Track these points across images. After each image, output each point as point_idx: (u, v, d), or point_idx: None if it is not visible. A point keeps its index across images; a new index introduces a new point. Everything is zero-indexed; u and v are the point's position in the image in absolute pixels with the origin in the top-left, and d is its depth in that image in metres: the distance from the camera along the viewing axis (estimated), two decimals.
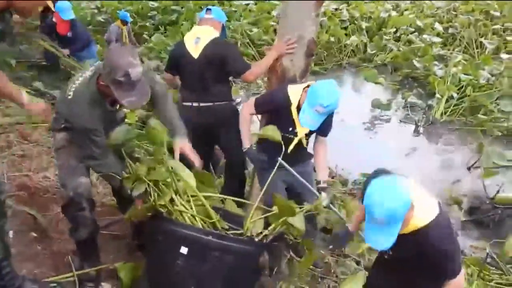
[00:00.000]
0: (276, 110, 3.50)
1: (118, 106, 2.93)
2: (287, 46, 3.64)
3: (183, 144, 3.03)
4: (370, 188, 2.27)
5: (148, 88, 2.76)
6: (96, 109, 2.74)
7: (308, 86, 3.40)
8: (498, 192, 5.72)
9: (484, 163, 6.80)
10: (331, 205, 3.26)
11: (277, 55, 3.69)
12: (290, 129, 3.48)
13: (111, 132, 2.89)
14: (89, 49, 7.12)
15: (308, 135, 3.57)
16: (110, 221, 3.71)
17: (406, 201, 2.21)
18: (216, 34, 3.87)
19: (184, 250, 2.68)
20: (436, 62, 10.11)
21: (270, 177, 3.19)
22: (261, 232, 2.88)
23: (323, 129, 3.52)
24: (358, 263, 4.11)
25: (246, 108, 3.61)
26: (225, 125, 3.87)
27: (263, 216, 3.07)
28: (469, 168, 6.91)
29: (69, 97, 2.74)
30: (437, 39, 11.39)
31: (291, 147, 3.46)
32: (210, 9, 4.02)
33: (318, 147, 3.65)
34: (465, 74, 9.09)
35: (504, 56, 10.07)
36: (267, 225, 2.97)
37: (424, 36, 11.36)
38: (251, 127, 3.65)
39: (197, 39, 3.82)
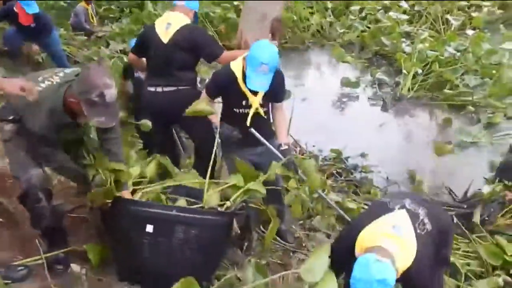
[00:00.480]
0: (224, 89, 3.52)
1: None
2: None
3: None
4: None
5: (119, 110, 2.78)
6: (53, 119, 2.70)
7: (244, 58, 3.43)
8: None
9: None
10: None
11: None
12: (244, 102, 3.50)
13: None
14: (51, 36, 6.93)
15: (262, 105, 3.57)
16: (79, 204, 3.67)
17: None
18: (187, 20, 3.89)
19: (149, 228, 2.69)
20: (403, 39, 10.22)
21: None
22: (223, 204, 2.92)
23: (275, 94, 3.57)
24: (328, 236, 4.17)
25: (202, 98, 3.64)
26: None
27: (221, 188, 3.10)
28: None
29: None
30: (404, 17, 11.45)
31: (249, 118, 3.49)
32: None
33: (275, 113, 3.68)
34: (431, 50, 9.20)
35: (469, 32, 10.24)
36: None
37: (391, 13, 11.40)
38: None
39: (168, 25, 3.84)
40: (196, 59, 3.97)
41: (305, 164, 3.62)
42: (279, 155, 3.45)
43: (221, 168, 4.04)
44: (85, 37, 8.60)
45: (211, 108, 3.29)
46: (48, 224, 2.90)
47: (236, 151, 3.40)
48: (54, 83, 2.74)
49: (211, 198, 2.97)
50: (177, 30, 3.81)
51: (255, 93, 3.45)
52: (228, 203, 2.93)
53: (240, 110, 3.51)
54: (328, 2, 11.79)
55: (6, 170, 3.89)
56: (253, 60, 3.29)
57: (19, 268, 2.83)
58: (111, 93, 2.58)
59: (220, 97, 3.66)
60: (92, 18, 9.13)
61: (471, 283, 3.87)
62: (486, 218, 4.72)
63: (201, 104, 3.33)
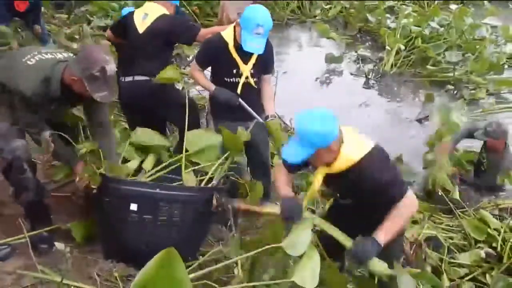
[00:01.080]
0: (214, 56, 3.55)
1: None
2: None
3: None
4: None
5: (117, 85, 2.84)
6: (46, 88, 2.75)
7: (235, 25, 3.47)
8: None
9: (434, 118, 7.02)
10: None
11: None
12: (234, 71, 3.54)
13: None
14: (38, 13, 6.74)
15: (253, 75, 3.60)
16: (62, 183, 3.65)
17: (326, 134, 2.35)
18: (164, 11, 3.90)
19: (133, 206, 2.72)
20: (388, 15, 10.18)
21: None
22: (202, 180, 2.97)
23: (265, 64, 3.67)
24: (313, 212, 4.20)
25: (192, 68, 3.73)
26: (162, 100, 3.85)
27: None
28: (419, 121, 7.11)
29: (30, 62, 2.77)
30: None
31: (239, 87, 3.55)
32: None
33: (263, 85, 3.74)
34: (415, 26, 9.19)
35: (453, 6, 10.20)
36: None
37: None
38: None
39: (145, 15, 3.87)
40: (171, 49, 4.07)
41: (269, 124, 3.64)
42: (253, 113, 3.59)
43: None
44: (66, 15, 8.43)
45: (178, 74, 3.29)
46: (33, 198, 2.90)
47: (227, 125, 3.40)
48: (48, 58, 2.84)
49: (188, 176, 2.99)
50: (153, 21, 3.83)
51: (245, 61, 3.49)
52: (206, 178, 2.95)
53: (231, 79, 3.56)
54: None
55: None
56: (248, 23, 3.33)
57: (2, 247, 2.83)
58: (111, 68, 2.71)
59: (210, 67, 3.70)
60: None
61: (454, 256, 3.94)
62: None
63: (169, 72, 3.34)
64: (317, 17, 10.67)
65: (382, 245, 2.43)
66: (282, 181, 2.80)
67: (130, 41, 3.95)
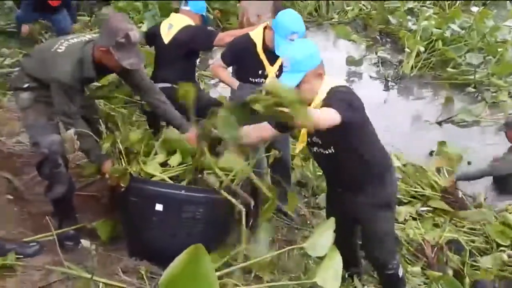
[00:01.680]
0: (241, 55, 3.59)
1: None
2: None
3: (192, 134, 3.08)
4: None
5: (143, 52, 2.97)
6: (80, 70, 2.84)
7: (266, 27, 3.50)
8: None
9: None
10: None
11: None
12: (260, 72, 3.58)
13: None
14: (64, 11, 6.80)
15: (277, 76, 3.61)
16: (87, 182, 3.73)
17: (313, 55, 2.68)
18: (189, 22, 4.02)
19: (159, 207, 2.76)
20: (409, 17, 10.06)
21: None
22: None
23: None
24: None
25: (215, 65, 3.75)
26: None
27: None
28: (439, 123, 7.06)
29: (59, 50, 2.86)
30: None
31: None
32: (187, 1, 4.16)
33: None
34: (436, 28, 9.11)
35: (474, 8, 10.10)
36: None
37: None
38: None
39: (170, 26, 4.02)
40: (195, 57, 4.19)
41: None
42: None
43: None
44: (88, 18, 8.53)
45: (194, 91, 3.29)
46: (64, 193, 2.97)
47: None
48: (83, 40, 2.94)
49: (210, 177, 3.02)
50: (177, 32, 3.96)
51: (272, 63, 3.54)
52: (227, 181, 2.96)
53: (256, 79, 3.59)
54: None
55: (14, 150, 3.98)
56: (283, 29, 3.37)
57: (31, 244, 2.90)
58: (134, 34, 2.80)
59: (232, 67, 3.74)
60: None
61: (475, 260, 3.92)
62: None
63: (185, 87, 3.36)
64: (334, 20, 10.65)
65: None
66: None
67: (157, 50, 4.17)
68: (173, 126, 3.24)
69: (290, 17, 3.43)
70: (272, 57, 3.55)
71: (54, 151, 2.87)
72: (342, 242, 3.02)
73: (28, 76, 2.98)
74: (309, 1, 10.52)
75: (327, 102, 2.55)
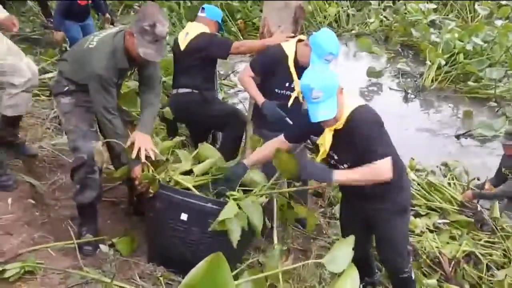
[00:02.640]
0: (272, 66, 3.59)
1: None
2: (285, 37, 3.75)
3: (142, 137, 3.02)
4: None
5: (164, 51, 2.93)
6: (114, 60, 2.87)
7: (299, 40, 3.53)
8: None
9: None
10: None
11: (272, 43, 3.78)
12: (287, 84, 3.60)
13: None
14: (90, 18, 6.81)
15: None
16: (107, 188, 3.78)
17: (332, 74, 2.69)
18: (205, 29, 4.14)
19: (184, 216, 2.79)
20: (432, 30, 10.04)
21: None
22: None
23: None
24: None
25: (244, 73, 3.73)
26: (205, 110, 4.10)
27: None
28: (457, 137, 7.02)
29: (91, 45, 2.91)
30: (432, 6, 11.26)
31: (291, 100, 3.62)
32: (204, 8, 4.33)
33: None
34: (459, 40, 9.07)
35: (497, 22, 9.99)
36: None
37: (420, 5, 11.16)
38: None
39: (186, 34, 4.15)
40: (212, 63, 4.22)
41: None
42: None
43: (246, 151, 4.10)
44: (111, 25, 8.65)
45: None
46: (93, 199, 3.01)
47: (267, 136, 3.47)
48: (105, 35, 2.98)
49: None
50: (192, 38, 4.08)
51: (300, 77, 3.52)
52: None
53: (282, 91, 3.62)
54: None
55: (37, 155, 4.04)
56: (321, 50, 3.39)
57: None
58: (163, 28, 2.78)
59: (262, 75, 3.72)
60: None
61: (493, 273, 3.87)
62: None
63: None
64: (354, 31, 10.65)
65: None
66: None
67: (176, 57, 4.30)
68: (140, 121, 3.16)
69: (330, 39, 3.45)
70: (301, 71, 3.55)
71: (92, 158, 2.93)
72: (357, 251, 3.05)
73: (66, 80, 3.03)
74: (329, 12, 10.53)
75: (364, 126, 2.65)
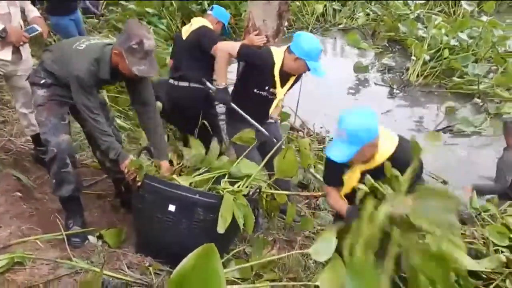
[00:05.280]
0: (258, 66, 3.62)
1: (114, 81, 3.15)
2: (258, 40, 3.97)
3: (165, 166, 3.16)
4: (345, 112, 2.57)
5: (156, 64, 2.95)
6: (96, 69, 2.90)
7: (287, 49, 3.57)
8: None
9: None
10: None
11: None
12: (267, 87, 3.65)
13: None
14: (78, 13, 6.70)
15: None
16: (93, 181, 3.82)
17: (371, 129, 2.49)
18: (207, 23, 4.24)
19: (172, 207, 2.83)
20: (420, 25, 10.11)
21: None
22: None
23: (292, 87, 3.85)
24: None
25: (227, 47, 3.68)
26: (199, 107, 4.09)
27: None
28: (437, 131, 7.07)
29: (80, 48, 2.93)
30: (421, 1, 11.37)
31: (272, 107, 3.75)
32: (213, 7, 4.51)
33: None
34: (446, 36, 9.14)
35: (484, 18, 10.00)
36: None
37: (409, 0, 11.29)
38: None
39: (191, 25, 4.26)
40: (206, 58, 4.15)
41: (300, 142, 3.85)
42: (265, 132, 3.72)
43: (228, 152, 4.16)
44: (96, 20, 8.64)
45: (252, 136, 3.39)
46: (71, 192, 3.04)
47: (238, 124, 3.61)
48: (96, 42, 3.02)
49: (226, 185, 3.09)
50: (194, 29, 4.17)
51: (282, 84, 3.65)
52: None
53: (260, 92, 3.67)
54: None
55: (23, 149, 4.06)
56: (313, 53, 3.48)
57: None
58: (150, 43, 2.82)
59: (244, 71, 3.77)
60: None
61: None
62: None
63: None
64: (341, 25, 10.71)
65: None
66: (335, 197, 2.88)
67: (177, 47, 4.42)
68: (153, 148, 3.26)
69: (314, 40, 3.53)
70: (284, 79, 3.65)
71: (62, 150, 2.96)
72: None
73: (45, 72, 3.05)
74: (315, 6, 10.57)
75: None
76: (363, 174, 2.64)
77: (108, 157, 3.08)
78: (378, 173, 2.57)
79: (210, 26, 4.26)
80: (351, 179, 2.69)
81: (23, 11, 3.59)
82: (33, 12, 3.61)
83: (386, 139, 2.61)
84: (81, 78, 2.85)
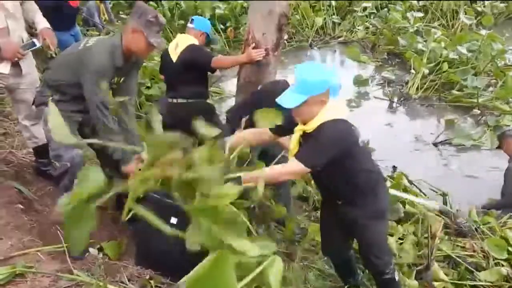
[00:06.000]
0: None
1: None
2: (256, 54, 3.90)
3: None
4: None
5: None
6: (112, 59, 2.96)
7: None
8: None
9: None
10: None
11: (246, 61, 3.98)
12: None
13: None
14: (76, 26, 6.80)
15: None
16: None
17: (322, 82, 2.59)
18: (193, 41, 4.25)
19: (174, 220, 2.82)
20: (419, 38, 10.15)
21: None
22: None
23: None
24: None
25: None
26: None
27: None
28: (435, 144, 7.10)
29: (89, 44, 2.98)
30: (419, 14, 11.40)
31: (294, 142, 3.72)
32: (193, 20, 4.46)
33: None
34: (445, 49, 9.17)
35: (482, 32, 10.02)
36: None
37: (408, 14, 11.35)
38: None
39: (177, 46, 4.26)
40: (204, 73, 4.31)
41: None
42: None
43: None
44: (97, 33, 8.72)
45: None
46: None
47: None
48: (100, 37, 3.12)
49: None
50: (182, 51, 4.18)
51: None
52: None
53: None
54: (332, 1, 11.63)
55: (24, 161, 4.09)
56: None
57: None
58: (162, 17, 3.02)
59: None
60: (103, 14, 9.19)
61: (474, 275, 3.88)
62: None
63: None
64: (341, 38, 10.77)
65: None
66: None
67: (168, 69, 4.39)
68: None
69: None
70: None
71: (76, 165, 3.00)
72: (337, 255, 3.18)
73: (50, 88, 3.08)
74: (315, 19, 10.65)
75: (310, 140, 2.66)
76: (302, 136, 2.73)
77: (119, 171, 3.06)
78: (312, 136, 2.66)
79: (195, 41, 4.28)
80: (293, 139, 2.79)
81: (32, 23, 3.59)
82: (41, 23, 3.59)
83: (330, 111, 2.66)
84: (103, 70, 2.90)
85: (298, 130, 2.77)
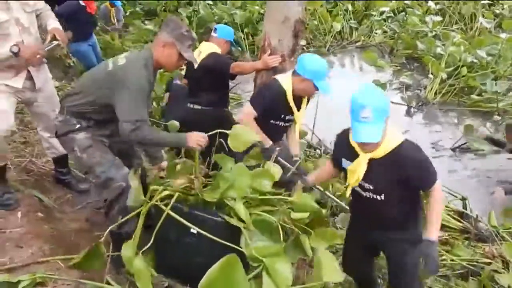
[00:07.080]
0: (271, 104, 3.59)
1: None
2: (271, 60, 3.89)
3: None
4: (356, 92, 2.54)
5: None
6: (148, 74, 2.89)
7: (293, 73, 3.57)
8: None
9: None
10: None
11: (262, 67, 3.96)
12: (282, 116, 3.69)
13: None
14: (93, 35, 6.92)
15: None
16: None
17: (386, 101, 2.50)
18: (215, 49, 4.33)
19: (194, 230, 2.80)
20: (437, 42, 9.99)
21: None
22: None
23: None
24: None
25: (246, 116, 3.62)
26: (212, 128, 4.04)
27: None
28: (453, 150, 7.01)
29: (120, 64, 2.89)
30: (438, 18, 11.25)
31: (297, 135, 3.87)
32: (216, 29, 4.54)
33: (293, 127, 3.87)
34: (464, 53, 9.01)
35: (503, 35, 9.88)
36: None
37: (426, 18, 11.19)
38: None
39: (199, 52, 4.32)
40: (223, 82, 4.38)
41: (319, 162, 3.92)
42: (289, 165, 3.49)
43: None
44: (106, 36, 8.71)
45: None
46: (133, 227, 2.89)
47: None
48: (128, 54, 3.04)
49: None
50: (203, 58, 4.23)
51: (298, 108, 3.66)
52: None
53: (276, 122, 3.70)
54: (349, 5, 11.50)
55: (44, 170, 4.13)
56: (320, 70, 3.54)
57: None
58: (193, 32, 3.00)
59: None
60: (113, 18, 9.19)
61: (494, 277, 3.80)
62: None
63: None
64: (359, 43, 10.74)
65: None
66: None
67: (190, 75, 4.50)
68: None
69: (315, 59, 3.57)
70: (298, 102, 3.67)
71: (129, 184, 2.87)
72: (361, 274, 3.17)
73: (75, 116, 2.96)
74: (333, 24, 10.63)
75: (415, 156, 2.57)
76: (370, 163, 2.60)
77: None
78: (382, 163, 2.56)
79: (218, 49, 4.34)
80: (359, 166, 2.62)
81: (44, 26, 3.51)
82: (52, 25, 3.49)
83: (392, 132, 2.59)
84: (143, 86, 2.83)
85: (365, 157, 2.60)
